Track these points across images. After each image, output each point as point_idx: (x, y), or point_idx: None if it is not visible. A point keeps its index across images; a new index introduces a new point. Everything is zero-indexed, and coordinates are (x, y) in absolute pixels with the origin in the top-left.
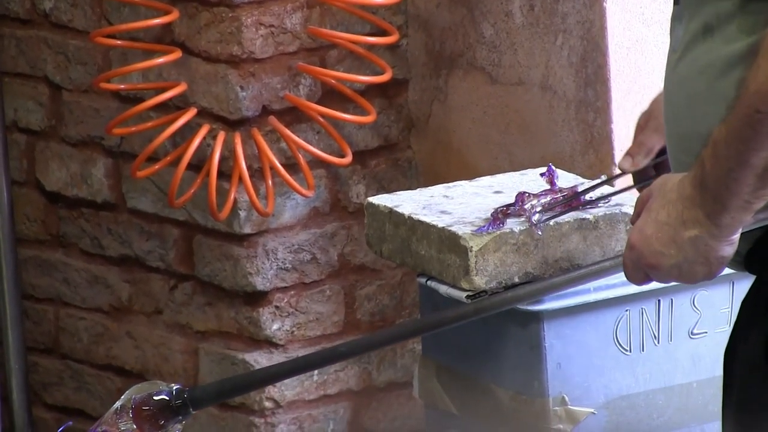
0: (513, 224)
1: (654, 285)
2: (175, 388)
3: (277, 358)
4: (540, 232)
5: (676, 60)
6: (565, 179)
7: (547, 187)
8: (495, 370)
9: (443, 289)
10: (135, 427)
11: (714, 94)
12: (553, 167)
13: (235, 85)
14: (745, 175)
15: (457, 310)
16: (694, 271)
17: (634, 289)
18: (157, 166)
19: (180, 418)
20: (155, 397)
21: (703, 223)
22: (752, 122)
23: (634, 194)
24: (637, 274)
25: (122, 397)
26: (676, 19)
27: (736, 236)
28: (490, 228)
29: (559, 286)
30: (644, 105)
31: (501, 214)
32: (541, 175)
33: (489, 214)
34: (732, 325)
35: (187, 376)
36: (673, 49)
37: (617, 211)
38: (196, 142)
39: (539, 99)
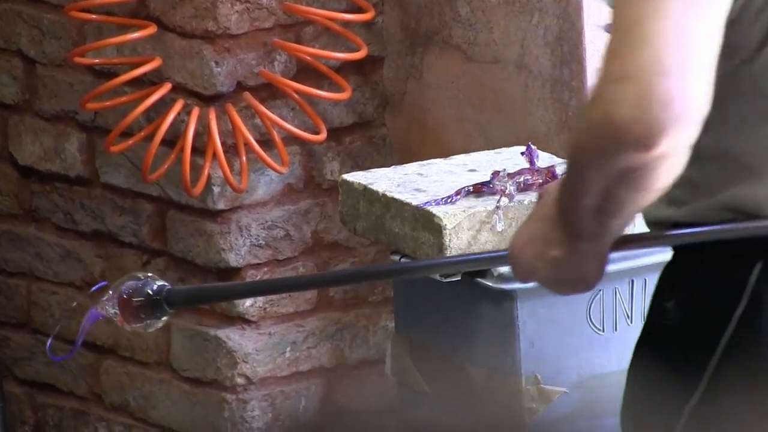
0: (487, 203)
1: (627, 264)
2: (157, 284)
3: (249, 334)
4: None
5: None
6: (541, 158)
7: (523, 166)
8: (468, 348)
9: None
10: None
11: None
12: (533, 146)
13: (210, 60)
14: (581, 213)
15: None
16: (560, 288)
17: (607, 269)
18: (131, 141)
19: (158, 315)
20: (139, 290)
21: (564, 246)
22: (572, 169)
23: None
24: (517, 276)
25: (116, 282)
26: None
27: (600, 259)
28: (443, 201)
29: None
30: None
31: (473, 190)
32: (522, 153)
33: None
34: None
35: (160, 352)
36: None
37: None
38: (171, 117)
39: (515, 77)
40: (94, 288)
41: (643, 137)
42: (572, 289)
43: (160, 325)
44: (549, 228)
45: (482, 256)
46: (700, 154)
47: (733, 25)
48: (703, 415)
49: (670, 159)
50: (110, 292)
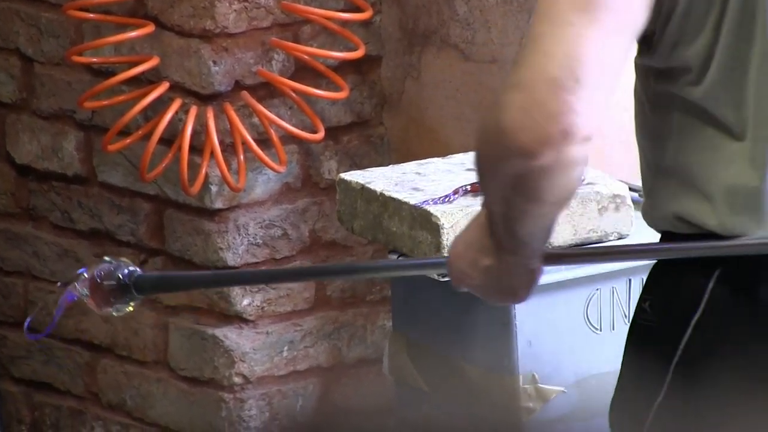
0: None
1: (625, 264)
2: (127, 269)
3: (247, 333)
4: None
5: None
6: None
7: None
8: (466, 347)
9: None
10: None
11: None
12: None
13: (207, 59)
14: (494, 220)
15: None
16: (491, 297)
17: (604, 268)
18: (128, 140)
19: (126, 299)
20: (109, 274)
21: (494, 255)
22: (476, 174)
23: (606, 174)
24: (451, 282)
25: (91, 266)
26: None
27: (530, 273)
28: (441, 201)
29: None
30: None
31: (471, 189)
32: None
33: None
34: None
35: (157, 351)
36: None
37: (589, 190)
38: (168, 116)
39: None
40: (78, 271)
41: (526, 146)
42: (501, 299)
43: (127, 310)
44: (482, 236)
45: (422, 261)
46: (659, 166)
47: (674, 48)
48: (667, 411)
49: (557, 171)
50: (85, 275)
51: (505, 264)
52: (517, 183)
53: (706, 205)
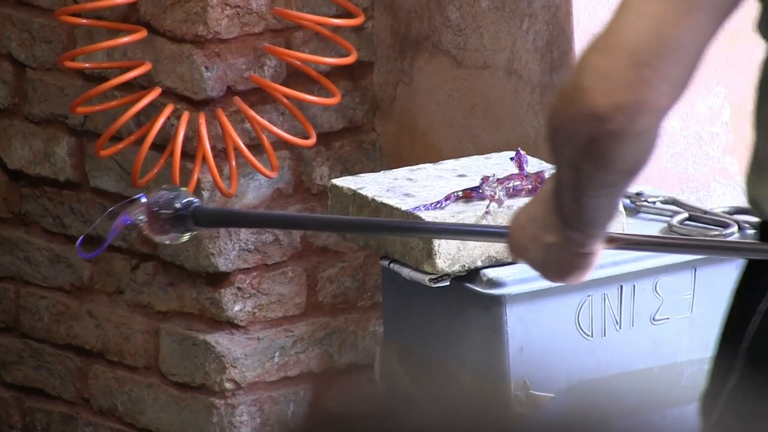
0: (476, 208)
1: (617, 270)
2: (186, 200)
3: (238, 339)
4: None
5: None
6: (530, 164)
7: (513, 171)
8: (457, 353)
9: (406, 272)
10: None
11: None
12: (522, 152)
13: (200, 65)
14: (561, 189)
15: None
16: (549, 274)
17: (596, 274)
18: (120, 146)
19: (184, 230)
20: (168, 203)
21: (558, 232)
22: (548, 137)
23: None
24: (511, 255)
25: (151, 194)
26: None
27: (593, 249)
28: (433, 207)
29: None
30: None
31: (463, 196)
32: (511, 159)
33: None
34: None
35: (148, 356)
36: None
37: None
38: (161, 121)
39: (504, 83)
40: (132, 198)
41: (600, 109)
42: (558, 277)
43: (183, 240)
44: (546, 213)
45: (483, 228)
46: (757, 150)
47: None
48: (737, 397)
49: (628, 138)
50: (143, 201)
51: (568, 242)
52: (587, 146)
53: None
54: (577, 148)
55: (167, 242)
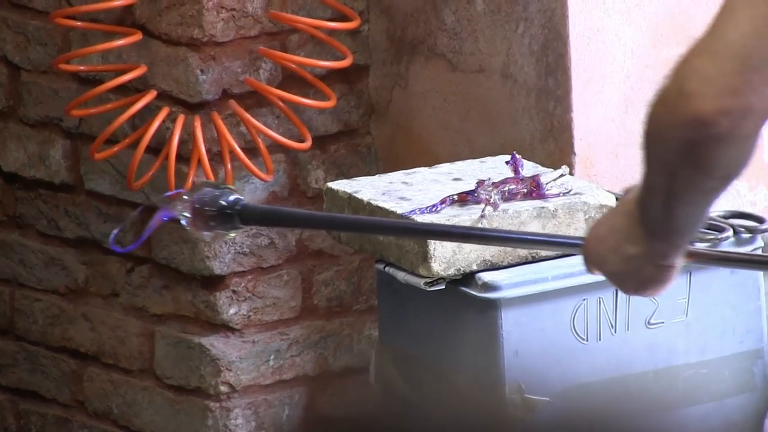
0: (472, 212)
1: None
2: (233, 197)
3: (233, 342)
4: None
5: None
6: (526, 168)
7: (508, 175)
8: (452, 357)
9: (401, 275)
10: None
11: None
12: (518, 156)
13: (195, 68)
14: (652, 196)
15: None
16: (626, 285)
17: (591, 278)
18: (115, 149)
19: (230, 227)
20: (214, 200)
21: (642, 244)
22: (644, 143)
23: (593, 184)
24: (586, 266)
25: (193, 188)
26: None
27: (675, 261)
28: (428, 210)
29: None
30: (604, 94)
31: (458, 199)
32: (507, 162)
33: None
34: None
35: (143, 359)
36: None
37: (577, 200)
38: (156, 124)
39: (500, 87)
40: (168, 193)
41: (705, 113)
42: (638, 289)
43: (229, 237)
44: (630, 224)
45: (555, 239)
46: None
47: None
48: None
49: (731, 142)
50: (185, 197)
51: (652, 253)
52: (688, 151)
53: None
54: (677, 153)
55: (210, 239)
